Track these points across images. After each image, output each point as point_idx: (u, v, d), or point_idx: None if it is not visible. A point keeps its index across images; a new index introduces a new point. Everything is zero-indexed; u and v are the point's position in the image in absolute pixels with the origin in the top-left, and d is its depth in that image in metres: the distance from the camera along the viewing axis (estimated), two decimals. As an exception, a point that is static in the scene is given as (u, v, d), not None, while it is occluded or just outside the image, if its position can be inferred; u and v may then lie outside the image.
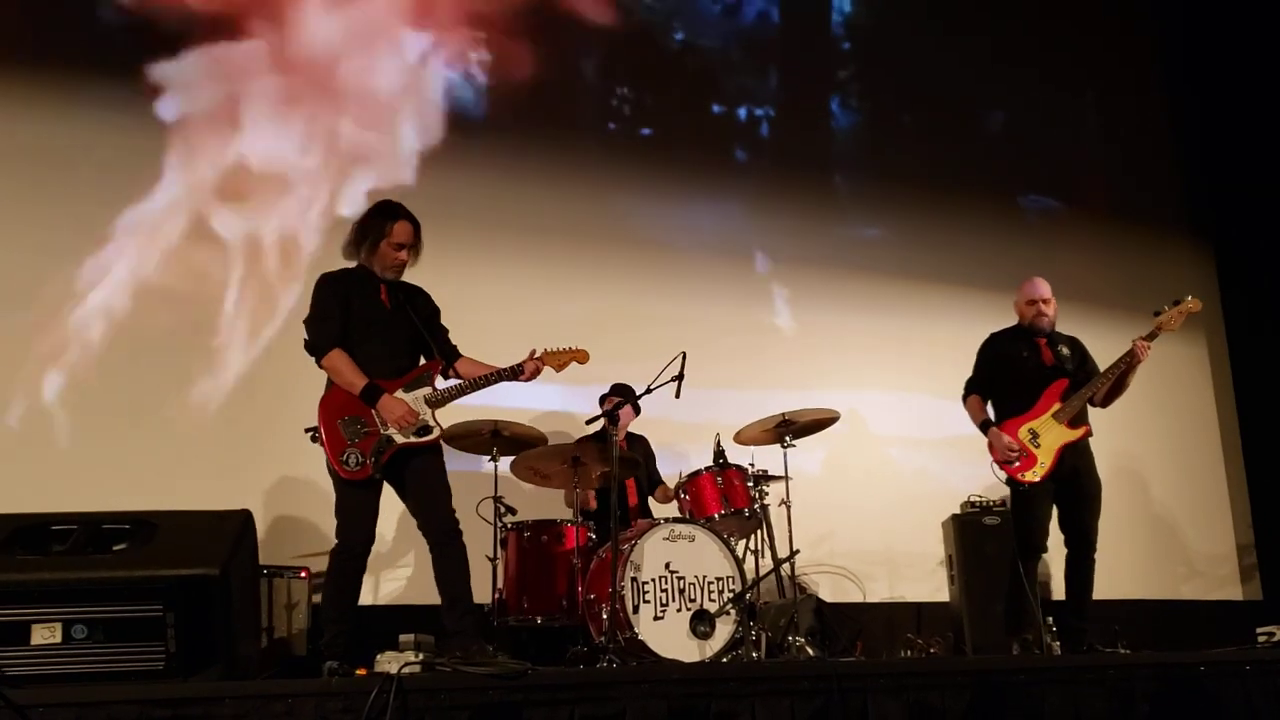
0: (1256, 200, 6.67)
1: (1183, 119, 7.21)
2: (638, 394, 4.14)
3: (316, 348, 3.49)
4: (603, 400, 4.64)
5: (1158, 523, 6.34)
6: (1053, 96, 6.81)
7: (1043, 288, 4.45)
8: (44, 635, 2.44)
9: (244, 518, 2.78)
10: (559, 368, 3.71)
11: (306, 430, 3.46)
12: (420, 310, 3.62)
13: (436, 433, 3.49)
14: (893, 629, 5.09)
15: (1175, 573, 6.30)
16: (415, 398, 3.49)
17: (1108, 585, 5.89)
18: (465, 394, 3.59)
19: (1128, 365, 4.23)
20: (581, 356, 3.76)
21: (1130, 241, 6.75)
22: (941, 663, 3.77)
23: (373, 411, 3.42)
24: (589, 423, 4.13)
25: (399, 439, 3.42)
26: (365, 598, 4.59)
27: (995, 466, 4.26)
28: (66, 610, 2.46)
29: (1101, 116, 6.95)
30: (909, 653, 4.60)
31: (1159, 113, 7.22)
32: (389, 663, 2.62)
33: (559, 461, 4.18)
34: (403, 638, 3.23)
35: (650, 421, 4.73)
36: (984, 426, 4.32)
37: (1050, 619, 4.30)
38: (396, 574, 4.71)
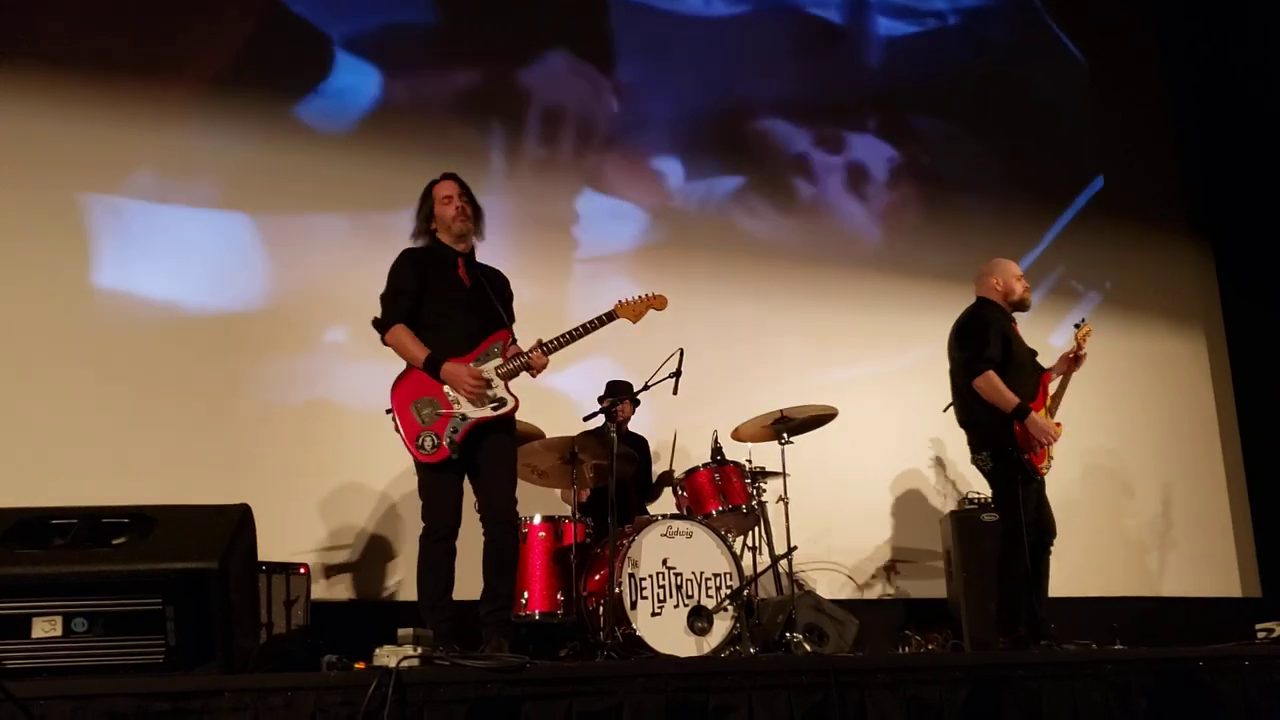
0: (1256, 197, 6.68)
1: (1183, 115, 7.21)
2: (635, 390, 4.15)
3: (381, 323, 3.49)
4: (601, 401, 4.64)
5: (1156, 519, 6.35)
6: (1052, 91, 6.81)
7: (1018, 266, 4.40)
8: (44, 628, 2.44)
9: (243, 512, 2.78)
10: (636, 318, 3.64)
11: (387, 411, 3.45)
12: (498, 291, 3.62)
13: (511, 404, 3.46)
14: (891, 625, 5.10)
15: (1174, 569, 6.31)
16: (486, 370, 3.46)
17: (1106, 582, 5.91)
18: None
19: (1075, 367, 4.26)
20: (659, 303, 3.67)
21: (1129, 238, 6.76)
22: (939, 658, 3.78)
23: (444, 391, 3.40)
24: (587, 419, 4.13)
25: (473, 414, 3.39)
26: (360, 593, 4.64)
27: (1019, 453, 3.97)
28: (67, 603, 2.46)
29: (1100, 112, 6.95)
30: (907, 649, 4.61)
31: (1159, 109, 7.23)
32: (387, 656, 2.62)
33: (556, 457, 4.18)
34: (401, 632, 3.22)
35: (648, 418, 4.74)
36: (1021, 410, 3.91)
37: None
38: (395, 568, 4.72)
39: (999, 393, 3.97)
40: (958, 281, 6.01)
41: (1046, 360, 4.34)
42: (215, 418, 4.62)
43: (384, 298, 3.54)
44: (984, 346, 4.06)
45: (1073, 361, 4.28)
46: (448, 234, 3.59)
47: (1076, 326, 4.37)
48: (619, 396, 4.37)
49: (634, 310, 3.65)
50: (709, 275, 5.70)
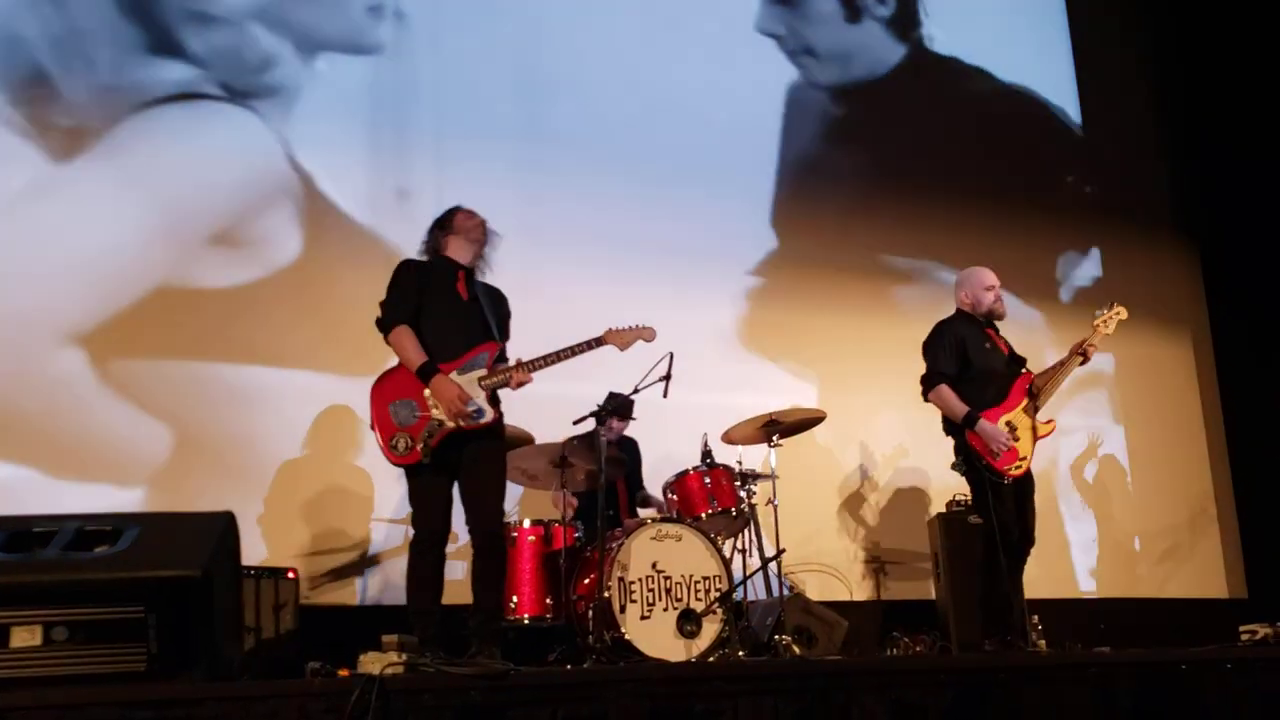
0: (1243, 199, 6.71)
1: (1171, 117, 7.24)
2: (627, 395, 4.14)
3: (384, 323, 3.50)
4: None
5: (1143, 521, 6.38)
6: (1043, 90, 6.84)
7: (994, 275, 4.35)
8: (24, 638, 2.41)
9: (226, 519, 2.76)
10: (624, 346, 3.66)
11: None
12: (495, 307, 3.63)
13: (490, 415, 3.45)
14: (878, 627, 5.11)
15: (1160, 570, 6.34)
16: (469, 379, 3.46)
17: (1093, 584, 5.93)
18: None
19: (1083, 363, 4.23)
20: (648, 335, 3.71)
21: (1116, 240, 6.78)
22: (924, 661, 3.79)
23: (424, 394, 3.39)
24: (576, 423, 4.13)
25: (450, 423, 3.39)
26: (348, 597, 4.63)
27: (979, 460, 4.05)
28: (47, 612, 2.43)
29: (1088, 113, 6.97)
30: (895, 650, 4.62)
31: (1147, 111, 7.25)
32: (371, 663, 2.62)
33: (546, 461, 4.18)
34: (385, 638, 3.22)
35: (639, 420, 4.72)
36: (970, 418, 4.06)
37: (1035, 617, 4.31)
38: (379, 573, 4.71)
39: (948, 405, 4.13)
40: (946, 286, 6.05)
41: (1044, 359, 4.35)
42: (204, 421, 4.60)
43: (385, 302, 3.55)
44: (934, 362, 4.22)
45: (1081, 354, 4.23)
46: (460, 247, 3.60)
47: (1098, 314, 4.31)
48: (615, 410, 4.32)
49: (622, 338, 3.67)
50: (706, 277, 5.70)
